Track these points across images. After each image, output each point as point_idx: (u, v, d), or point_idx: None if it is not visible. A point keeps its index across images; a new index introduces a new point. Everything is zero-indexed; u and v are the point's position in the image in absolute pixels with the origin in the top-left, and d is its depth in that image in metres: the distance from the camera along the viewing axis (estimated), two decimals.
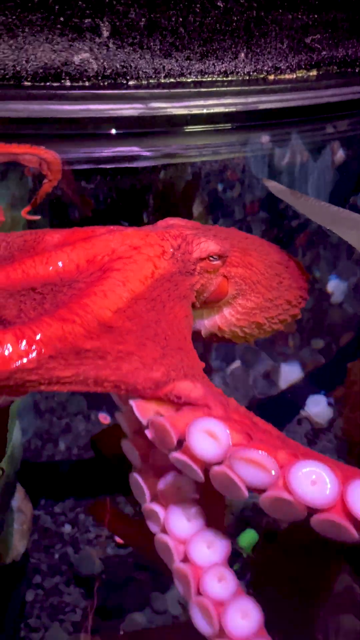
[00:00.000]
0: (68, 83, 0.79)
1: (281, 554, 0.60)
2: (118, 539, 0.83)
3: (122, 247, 0.49)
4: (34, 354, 0.35)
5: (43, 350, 0.36)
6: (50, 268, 0.46)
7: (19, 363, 0.35)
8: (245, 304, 0.58)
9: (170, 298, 0.48)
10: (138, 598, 0.76)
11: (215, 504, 0.41)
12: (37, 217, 0.69)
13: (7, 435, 0.63)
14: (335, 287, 1.06)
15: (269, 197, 1.07)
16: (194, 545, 0.36)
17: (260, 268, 0.60)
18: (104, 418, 0.88)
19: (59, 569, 0.79)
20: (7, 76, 0.76)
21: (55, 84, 0.78)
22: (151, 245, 0.51)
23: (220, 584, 0.35)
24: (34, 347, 0.36)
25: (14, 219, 0.71)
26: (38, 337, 0.36)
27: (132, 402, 0.39)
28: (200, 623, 0.35)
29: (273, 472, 0.33)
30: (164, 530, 0.37)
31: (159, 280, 0.49)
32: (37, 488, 0.86)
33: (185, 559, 0.36)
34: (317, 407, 0.93)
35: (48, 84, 0.78)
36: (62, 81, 0.79)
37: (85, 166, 0.85)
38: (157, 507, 0.39)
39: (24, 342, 0.35)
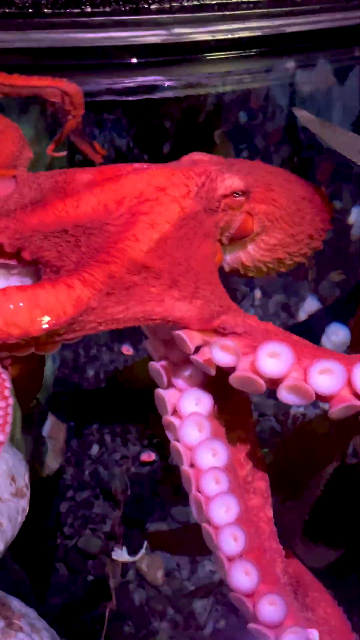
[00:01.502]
0: (89, 9, 0.76)
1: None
2: (143, 458, 0.89)
3: (149, 189, 0.50)
4: (96, 293, 0.39)
5: (102, 289, 0.39)
6: (81, 210, 0.48)
7: (88, 303, 0.38)
8: (269, 240, 0.59)
9: (196, 236, 0.50)
10: (160, 510, 0.83)
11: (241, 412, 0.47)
12: (63, 153, 0.70)
13: (43, 369, 0.67)
14: (357, 218, 1.05)
15: (292, 126, 1.04)
16: (200, 452, 0.42)
17: (283, 203, 0.60)
18: (127, 350, 0.93)
19: (89, 484, 0.86)
20: (27, 4, 0.74)
21: (75, 10, 0.76)
22: (176, 186, 0.52)
23: (217, 485, 0.41)
24: (94, 287, 0.39)
25: (37, 155, 0.71)
26: (95, 278, 0.39)
27: (180, 332, 0.43)
28: (196, 515, 0.42)
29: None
30: (176, 439, 0.43)
31: (184, 219, 0.50)
32: (67, 413, 0.92)
33: (192, 464, 0.42)
34: (336, 336, 0.95)
35: (69, 10, 0.75)
36: (83, 7, 0.75)
37: (106, 97, 0.84)
38: (175, 420, 0.44)
39: (87, 284, 0.39)
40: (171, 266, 0.45)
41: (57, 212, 0.47)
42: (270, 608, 0.39)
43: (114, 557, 0.80)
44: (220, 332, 0.43)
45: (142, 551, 0.79)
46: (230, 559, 0.40)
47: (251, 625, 0.39)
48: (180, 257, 0.47)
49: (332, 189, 1.09)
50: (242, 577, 0.39)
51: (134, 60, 0.79)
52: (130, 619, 0.74)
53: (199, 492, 0.41)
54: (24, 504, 0.46)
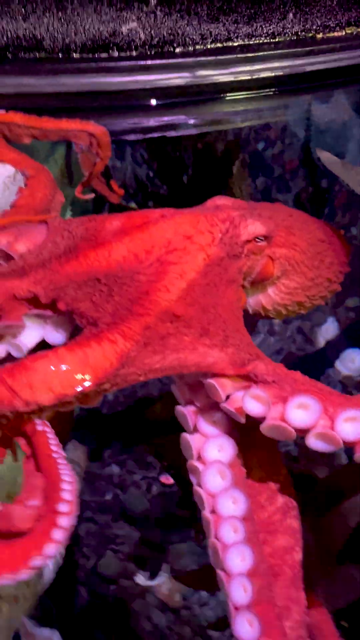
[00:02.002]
0: (116, 54, 0.79)
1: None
2: (162, 480, 0.91)
3: (177, 237, 0.52)
4: (135, 345, 0.41)
5: (139, 341, 0.41)
6: (112, 260, 0.50)
7: (129, 355, 0.40)
8: (289, 284, 0.61)
9: (221, 282, 0.52)
10: (180, 532, 0.84)
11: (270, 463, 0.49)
12: (91, 196, 0.72)
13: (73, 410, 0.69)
14: None
15: (307, 156, 1.06)
16: (220, 500, 0.44)
17: (303, 247, 0.62)
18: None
19: (108, 507, 0.88)
20: (57, 49, 0.77)
21: (103, 55, 0.79)
22: (202, 233, 0.54)
23: (234, 534, 0.43)
24: (133, 339, 0.41)
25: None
26: (133, 331, 0.41)
27: (212, 381, 0.45)
28: (212, 560, 0.43)
29: None
30: (199, 484, 0.45)
31: (209, 265, 0.52)
32: (87, 436, 0.93)
33: (212, 510, 0.44)
34: (351, 363, 0.96)
35: (97, 55, 0.78)
36: (110, 51, 0.78)
37: (129, 137, 0.86)
38: (199, 465, 0.46)
39: (127, 338, 0.41)
40: (200, 314, 0.47)
41: (90, 262, 0.49)
42: None
43: (136, 581, 0.81)
44: (252, 378, 0.44)
45: (163, 575, 0.81)
46: (237, 608, 0.41)
47: None
48: (208, 304, 0.48)
49: (350, 216, 1.10)
50: (245, 627, 0.41)
51: (158, 101, 0.82)
52: None
53: (217, 539, 0.43)
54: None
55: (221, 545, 0.43)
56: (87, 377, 0.38)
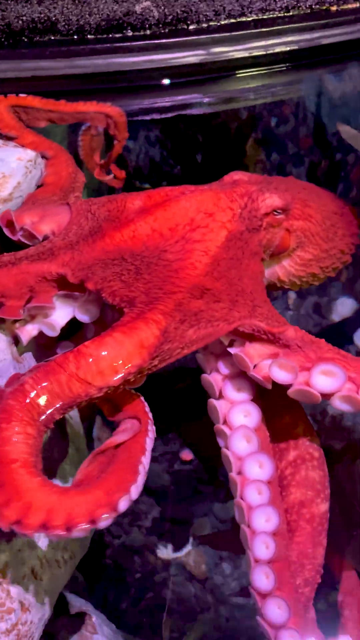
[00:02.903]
0: (130, 33, 0.78)
1: None
2: (183, 456, 0.92)
3: (199, 215, 0.54)
4: (172, 321, 0.43)
5: (176, 317, 0.43)
6: (138, 239, 0.51)
7: (170, 332, 0.42)
8: (304, 255, 0.62)
9: (244, 256, 0.53)
10: (202, 506, 0.86)
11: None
12: (110, 176, 0.72)
13: None
14: None
15: (321, 131, 1.05)
16: (247, 463, 0.46)
17: (318, 219, 0.63)
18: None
19: None
20: (71, 31, 0.77)
21: (117, 35, 0.78)
22: (223, 210, 0.55)
23: (260, 496, 0.45)
24: (172, 316, 0.43)
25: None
26: (169, 308, 0.43)
27: (239, 352, 0.47)
28: (237, 517, 0.46)
29: None
30: (226, 447, 0.47)
31: (231, 240, 0.53)
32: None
33: (239, 472, 0.46)
34: None
35: (111, 35, 0.78)
36: (124, 31, 0.78)
37: (144, 117, 0.86)
38: (225, 429, 0.48)
39: (166, 316, 0.42)
40: (228, 286, 0.49)
41: (115, 242, 0.51)
42: (277, 610, 0.44)
43: (159, 555, 0.83)
44: (280, 342, 0.46)
45: (188, 547, 0.83)
46: (257, 561, 0.44)
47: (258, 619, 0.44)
48: (234, 276, 0.50)
49: None
50: (263, 579, 0.44)
51: (171, 80, 0.82)
52: (178, 612, 0.78)
53: (242, 499, 0.45)
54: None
55: (246, 505, 0.45)
56: (144, 354, 0.40)
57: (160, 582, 0.83)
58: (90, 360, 0.39)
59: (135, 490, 0.37)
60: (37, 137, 0.66)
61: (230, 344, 0.48)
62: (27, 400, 0.37)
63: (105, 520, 0.34)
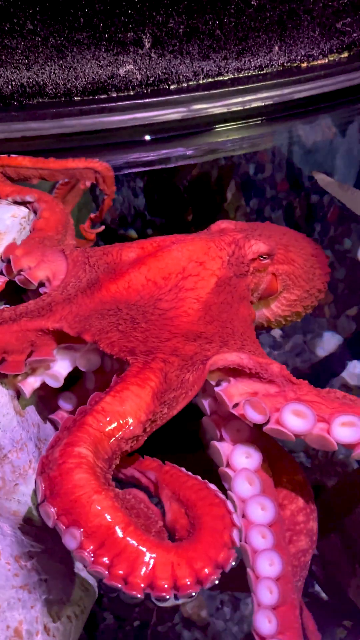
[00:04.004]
0: (114, 94, 0.83)
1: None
2: None
3: (190, 264, 0.56)
4: (174, 369, 0.45)
5: (176, 363, 0.45)
6: (132, 289, 0.53)
7: (172, 379, 0.45)
8: (289, 297, 0.65)
9: (234, 300, 0.56)
10: None
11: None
12: (102, 229, 0.74)
13: None
14: None
15: (297, 176, 1.10)
16: (250, 505, 0.47)
17: (300, 263, 0.66)
18: None
19: None
20: (59, 94, 0.81)
21: (102, 96, 0.83)
22: (213, 259, 0.57)
23: (264, 540, 0.46)
24: (173, 365, 0.45)
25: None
26: (167, 356, 0.45)
27: (219, 391, 0.48)
28: (244, 560, 0.46)
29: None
30: (230, 489, 0.48)
31: (221, 285, 0.56)
32: None
33: (243, 515, 0.46)
34: (356, 371, 0.97)
35: (96, 96, 0.82)
36: (109, 93, 0.83)
37: (129, 170, 0.90)
38: (229, 471, 0.48)
39: (168, 364, 0.44)
40: (220, 329, 0.51)
41: (111, 293, 0.52)
42: None
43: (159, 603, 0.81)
44: (267, 379, 0.48)
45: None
46: (260, 605, 0.44)
47: None
48: (225, 319, 0.52)
49: (342, 229, 1.14)
50: (265, 624, 0.44)
51: (156, 135, 0.86)
52: None
53: (247, 543, 0.46)
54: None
55: (251, 550, 0.45)
56: (156, 402, 0.43)
57: (160, 631, 0.81)
58: (112, 411, 0.41)
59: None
60: (30, 189, 0.68)
61: (218, 384, 0.49)
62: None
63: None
